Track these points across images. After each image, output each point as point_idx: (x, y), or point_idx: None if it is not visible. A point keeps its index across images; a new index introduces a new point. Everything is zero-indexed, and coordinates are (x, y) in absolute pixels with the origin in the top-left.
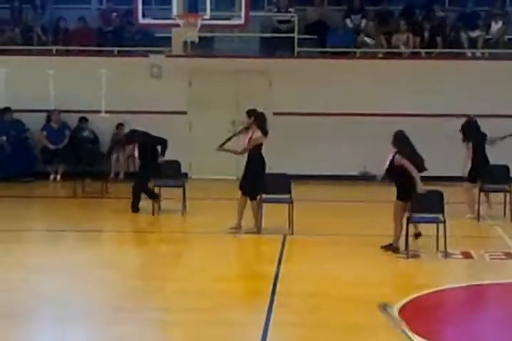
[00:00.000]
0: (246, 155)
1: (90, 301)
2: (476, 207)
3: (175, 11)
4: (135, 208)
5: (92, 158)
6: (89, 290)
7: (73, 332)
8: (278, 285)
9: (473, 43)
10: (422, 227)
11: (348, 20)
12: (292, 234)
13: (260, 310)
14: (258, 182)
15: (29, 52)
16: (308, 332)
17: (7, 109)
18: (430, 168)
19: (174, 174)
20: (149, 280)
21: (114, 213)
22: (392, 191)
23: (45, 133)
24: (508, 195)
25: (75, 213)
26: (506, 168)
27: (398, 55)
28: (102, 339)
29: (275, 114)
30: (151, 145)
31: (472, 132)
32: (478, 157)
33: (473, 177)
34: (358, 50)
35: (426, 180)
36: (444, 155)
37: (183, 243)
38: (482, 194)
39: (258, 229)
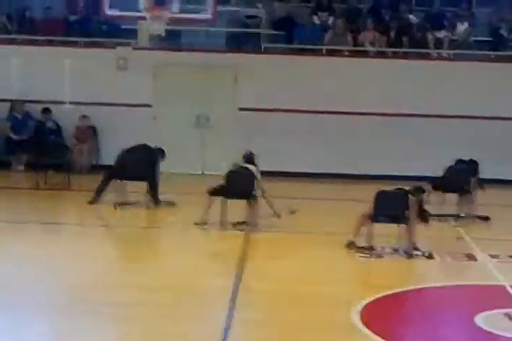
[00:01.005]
0: None
1: (47, 293)
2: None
3: (142, 3)
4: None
5: (55, 150)
6: (48, 282)
7: (27, 323)
8: (241, 282)
9: (439, 44)
10: (386, 227)
11: (315, 17)
12: (256, 230)
13: (222, 306)
14: None
15: None
16: (269, 330)
17: None
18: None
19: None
20: (109, 274)
21: (77, 206)
22: (360, 189)
23: (8, 123)
24: (469, 195)
25: (37, 205)
26: (467, 170)
27: (365, 54)
28: (56, 332)
29: (241, 109)
30: None
31: None
32: None
33: None
34: (324, 47)
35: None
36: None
37: (146, 237)
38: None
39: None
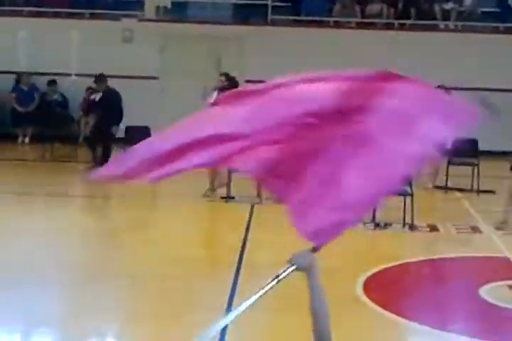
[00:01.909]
0: None
1: (56, 266)
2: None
3: None
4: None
5: (61, 122)
6: (56, 255)
7: (38, 299)
8: (245, 254)
9: (446, 15)
10: (389, 199)
11: None
12: (261, 202)
13: (226, 278)
14: None
15: (0, 13)
16: (274, 302)
17: None
18: None
19: (144, 139)
20: (116, 247)
21: (83, 177)
22: None
23: (14, 95)
24: (475, 168)
25: (43, 177)
26: (474, 141)
27: (372, 25)
28: (69, 307)
29: (248, 81)
30: None
31: None
32: None
33: None
34: (331, 19)
35: None
36: None
37: (152, 208)
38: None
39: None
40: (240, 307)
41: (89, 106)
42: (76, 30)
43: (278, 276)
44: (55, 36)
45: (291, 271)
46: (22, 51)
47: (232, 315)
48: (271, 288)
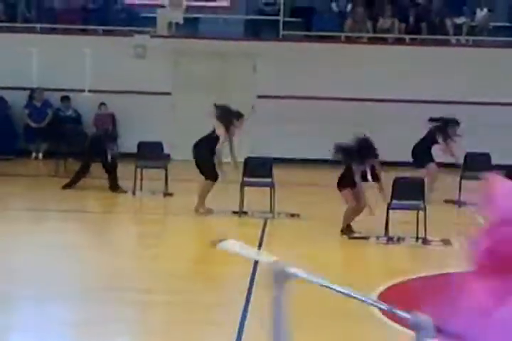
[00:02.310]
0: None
1: (71, 281)
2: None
3: None
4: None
5: (75, 138)
6: (71, 270)
7: (53, 312)
8: (258, 268)
9: (458, 30)
10: (402, 214)
11: (333, 4)
12: (273, 217)
13: (240, 292)
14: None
15: (13, 30)
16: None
17: None
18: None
19: (157, 155)
20: (130, 261)
21: (96, 193)
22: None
23: (27, 111)
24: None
25: (56, 192)
26: (487, 155)
27: (383, 40)
28: (81, 320)
29: (259, 97)
30: None
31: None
32: None
33: None
34: (343, 34)
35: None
36: None
37: (164, 224)
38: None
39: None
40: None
41: (101, 122)
42: (89, 46)
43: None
44: (68, 52)
45: None
46: (35, 67)
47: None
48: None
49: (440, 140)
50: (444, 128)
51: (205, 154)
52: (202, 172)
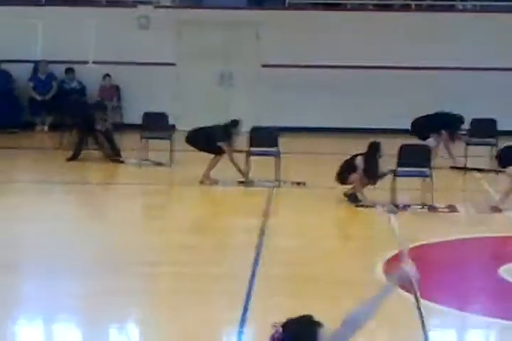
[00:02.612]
0: None
1: (78, 254)
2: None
3: None
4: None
5: (79, 109)
6: (77, 242)
7: (60, 283)
8: (264, 238)
9: None
10: (408, 181)
11: None
12: (279, 186)
13: (246, 263)
14: None
15: (17, 2)
16: (294, 286)
17: None
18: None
19: (162, 126)
20: (137, 233)
21: (101, 165)
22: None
23: (32, 84)
24: (494, 148)
25: (62, 164)
26: (493, 121)
27: (389, 7)
28: (87, 292)
29: (264, 66)
30: None
31: None
32: None
33: None
34: (348, 2)
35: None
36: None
37: (170, 195)
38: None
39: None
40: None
41: (106, 94)
42: (92, 17)
43: None
44: (71, 24)
45: None
46: (39, 40)
47: None
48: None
49: (443, 133)
50: (452, 126)
51: (201, 141)
52: (207, 152)
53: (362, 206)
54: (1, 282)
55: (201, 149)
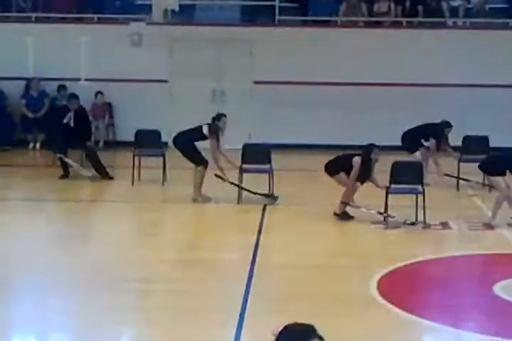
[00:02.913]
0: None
1: (70, 271)
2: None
3: None
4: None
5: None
6: (69, 259)
7: (52, 301)
8: (258, 256)
9: (454, 12)
10: (401, 198)
11: None
12: (272, 204)
13: (239, 280)
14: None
15: (8, 19)
16: (288, 303)
17: None
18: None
19: (154, 143)
20: (128, 250)
21: (94, 182)
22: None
23: (24, 101)
24: None
25: (54, 182)
26: (485, 138)
27: (379, 24)
28: (80, 309)
29: (256, 82)
30: None
31: None
32: None
33: None
34: (339, 19)
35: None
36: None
37: (163, 212)
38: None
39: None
40: None
41: (98, 111)
42: (84, 34)
43: None
44: (63, 41)
45: None
46: (31, 57)
47: None
48: None
49: (431, 142)
50: (441, 134)
51: (185, 142)
52: (191, 160)
53: (354, 206)
54: None
55: (185, 155)
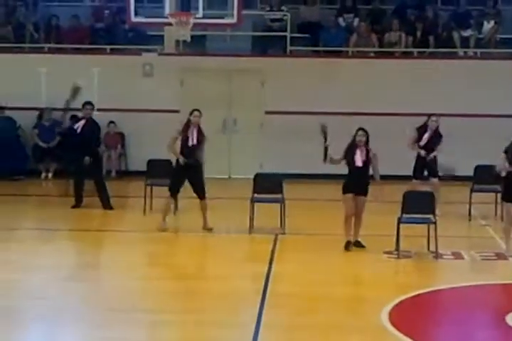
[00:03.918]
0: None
1: (80, 302)
2: (468, 207)
3: (167, 10)
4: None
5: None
6: (79, 290)
7: (62, 333)
8: (269, 286)
9: (465, 43)
10: (413, 228)
11: (340, 19)
12: (284, 233)
13: (251, 310)
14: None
15: (21, 50)
16: (299, 334)
17: None
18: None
19: (166, 173)
20: (139, 280)
21: (105, 212)
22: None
23: (36, 131)
24: (498, 195)
25: (66, 212)
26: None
27: (390, 55)
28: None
29: (267, 112)
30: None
31: None
32: None
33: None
34: (350, 49)
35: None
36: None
37: (174, 242)
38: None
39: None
40: None
41: (110, 141)
42: (97, 65)
43: None
44: (76, 72)
45: None
46: (44, 87)
47: None
48: None
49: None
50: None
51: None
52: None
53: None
54: (1, 330)
55: None
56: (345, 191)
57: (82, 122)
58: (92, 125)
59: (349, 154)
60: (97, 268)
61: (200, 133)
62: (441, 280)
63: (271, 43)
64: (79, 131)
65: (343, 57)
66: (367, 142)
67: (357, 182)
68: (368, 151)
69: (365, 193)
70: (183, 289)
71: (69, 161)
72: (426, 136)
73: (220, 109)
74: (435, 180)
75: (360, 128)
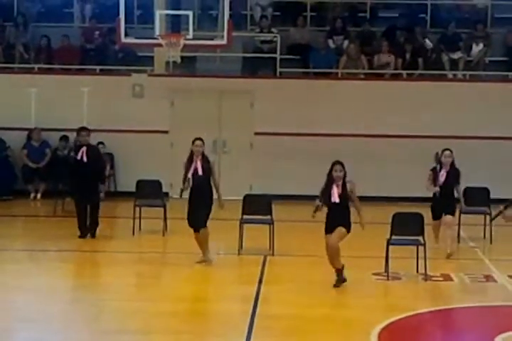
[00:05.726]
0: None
1: (69, 323)
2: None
3: (157, 31)
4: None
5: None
6: (69, 311)
7: None
8: (258, 307)
9: (454, 65)
10: (402, 250)
11: (330, 41)
12: (273, 255)
13: (240, 332)
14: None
15: (11, 70)
16: None
17: None
18: (404, 188)
19: (155, 193)
20: (128, 302)
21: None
22: (372, 211)
23: (25, 151)
24: (487, 217)
25: (54, 232)
26: (485, 189)
27: (380, 76)
28: None
29: (257, 133)
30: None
31: None
32: None
33: None
34: (340, 71)
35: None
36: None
37: (163, 263)
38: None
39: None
40: None
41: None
42: (87, 85)
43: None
44: (66, 92)
45: None
46: (33, 107)
47: None
48: None
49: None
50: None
51: None
52: None
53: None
54: None
55: None
56: (326, 231)
57: (83, 149)
58: (94, 151)
59: (325, 193)
60: (86, 290)
61: (204, 161)
62: (431, 302)
63: (261, 65)
64: (85, 160)
65: (333, 79)
66: (344, 176)
67: (336, 218)
68: (344, 185)
69: (343, 225)
70: (171, 310)
71: (83, 191)
72: (442, 172)
73: (209, 130)
74: (450, 217)
75: (337, 162)
